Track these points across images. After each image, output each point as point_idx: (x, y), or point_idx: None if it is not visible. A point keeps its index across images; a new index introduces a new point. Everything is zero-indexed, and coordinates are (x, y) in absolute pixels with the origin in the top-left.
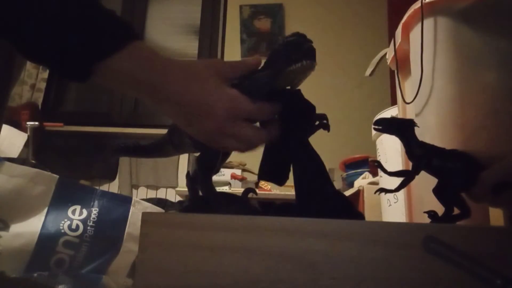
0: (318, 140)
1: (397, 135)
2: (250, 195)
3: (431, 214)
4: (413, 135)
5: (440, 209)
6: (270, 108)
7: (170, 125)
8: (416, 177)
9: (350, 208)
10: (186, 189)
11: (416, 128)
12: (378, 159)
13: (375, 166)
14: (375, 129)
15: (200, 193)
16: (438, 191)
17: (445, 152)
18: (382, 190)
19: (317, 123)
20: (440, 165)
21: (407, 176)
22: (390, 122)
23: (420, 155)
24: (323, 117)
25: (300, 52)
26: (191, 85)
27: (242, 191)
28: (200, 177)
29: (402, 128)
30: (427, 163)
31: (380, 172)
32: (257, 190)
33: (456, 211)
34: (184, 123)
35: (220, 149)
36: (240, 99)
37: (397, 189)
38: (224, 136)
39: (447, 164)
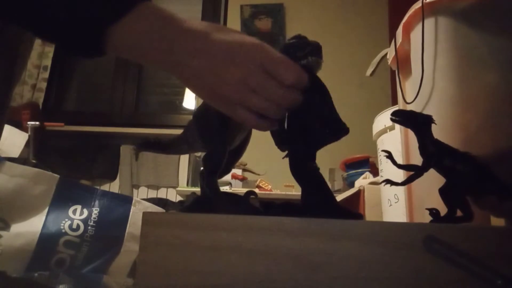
0: None
1: (413, 129)
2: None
3: (433, 212)
4: (429, 132)
5: (441, 211)
6: (296, 66)
7: (186, 125)
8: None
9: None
10: (187, 189)
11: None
12: (378, 159)
13: (386, 157)
14: (392, 119)
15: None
16: (444, 191)
17: (457, 154)
18: (388, 181)
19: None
20: (451, 165)
21: (415, 171)
22: (408, 115)
23: (433, 153)
24: None
25: (306, 50)
26: (213, 33)
27: (242, 191)
28: (205, 177)
29: (419, 123)
30: (438, 161)
31: (381, 172)
32: (257, 190)
33: (458, 213)
34: (208, 79)
35: (245, 115)
36: (265, 44)
37: (404, 183)
38: (248, 88)
39: (458, 165)
